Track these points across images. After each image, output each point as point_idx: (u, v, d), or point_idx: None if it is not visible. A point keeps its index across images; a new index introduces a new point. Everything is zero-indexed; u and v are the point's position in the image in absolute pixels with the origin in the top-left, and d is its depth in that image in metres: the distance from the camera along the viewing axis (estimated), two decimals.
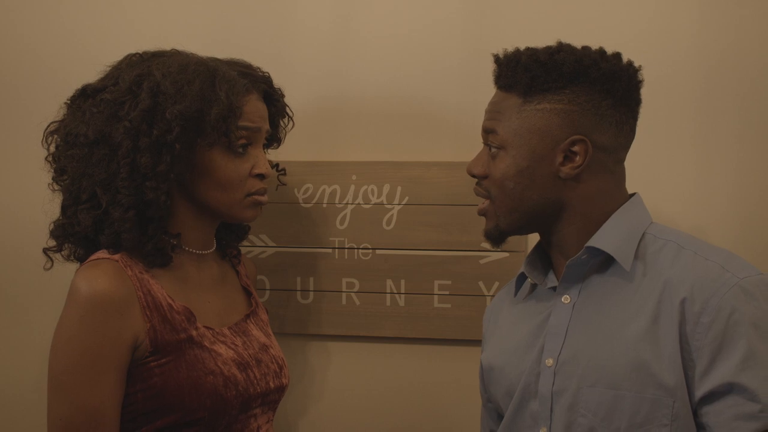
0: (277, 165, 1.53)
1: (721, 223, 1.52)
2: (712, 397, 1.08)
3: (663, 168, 1.52)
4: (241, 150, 1.28)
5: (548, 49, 1.19)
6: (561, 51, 1.18)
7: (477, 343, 1.59)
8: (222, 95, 1.24)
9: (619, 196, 1.21)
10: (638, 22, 1.54)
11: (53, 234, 1.29)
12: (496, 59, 1.24)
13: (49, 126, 1.31)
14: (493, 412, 1.36)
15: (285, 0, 1.68)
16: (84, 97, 1.29)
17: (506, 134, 1.19)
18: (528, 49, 1.21)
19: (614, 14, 1.55)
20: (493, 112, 1.22)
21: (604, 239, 1.17)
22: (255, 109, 1.31)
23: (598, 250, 1.17)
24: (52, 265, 1.31)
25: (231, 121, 1.25)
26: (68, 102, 1.31)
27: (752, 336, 1.06)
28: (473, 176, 1.25)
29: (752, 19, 1.51)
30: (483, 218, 1.27)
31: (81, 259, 1.30)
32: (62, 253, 1.30)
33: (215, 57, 1.34)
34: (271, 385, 1.32)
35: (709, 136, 1.53)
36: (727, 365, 1.06)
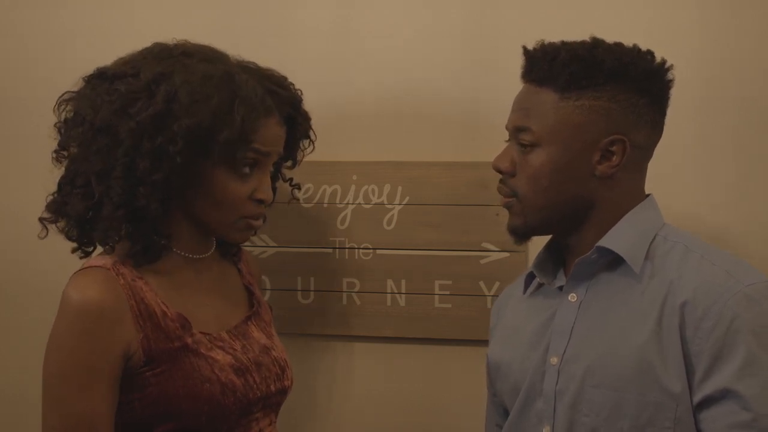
0: (291, 179, 1.48)
1: (722, 223, 1.53)
2: (708, 402, 1.08)
3: (662, 169, 1.51)
4: (246, 170, 1.24)
5: (585, 45, 1.17)
6: (598, 47, 1.16)
7: (478, 343, 1.59)
8: (237, 118, 1.19)
9: (639, 197, 1.21)
10: (638, 23, 1.54)
11: (48, 208, 1.25)
12: (528, 52, 1.20)
13: (64, 94, 1.26)
14: (500, 406, 1.36)
15: (285, 0, 1.68)
16: (101, 78, 1.24)
17: (541, 130, 1.16)
18: (564, 43, 1.18)
19: (614, 17, 1.55)
20: (525, 108, 1.19)
21: (615, 240, 1.17)
22: (271, 133, 1.26)
23: (608, 250, 1.17)
24: (47, 233, 1.27)
25: (240, 146, 1.21)
26: (86, 79, 1.26)
27: (752, 344, 1.05)
28: (499, 172, 1.21)
29: (752, 19, 1.51)
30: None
31: (74, 240, 1.26)
32: (57, 224, 1.26)
33: (252, 62, 1.30)
34: (272, 388, 1.29)
35: (708, 138, 1.53)
36: (725, 372, 1.06)
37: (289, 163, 1.43)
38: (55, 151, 1.26)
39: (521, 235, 1.22)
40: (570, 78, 1.15)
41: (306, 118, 1.37)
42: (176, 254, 1.28)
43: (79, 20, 1.75)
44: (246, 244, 1.57)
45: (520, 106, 1.20)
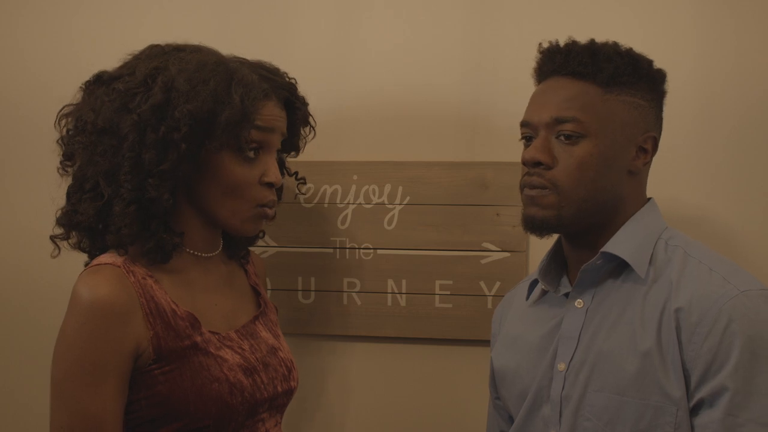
0: (296, 173, 1.49)
1: (721, 224, 1.53)
2: (701, 406, 1.09)
3: (662, 170, 1.52)
4: (252, 154, 1.24)
5: (615, 44, 1.20)
6: (623, 47, 1.20)
7: (478, 343, 1.59)
8: (236, 98, 1.20)
9: (643, 200, 1.23)
10: (638, 26, 1.54)
11: (59, 221, 1.25)
12: (560, 47, 1.21)
13: (63, 108, 1.27)
14: (502, 410, 1.36)
15: (288, 1, 1.68)
16: (99, 83, 1.25)
17: (590, 121, 1.16)
18: (593, 41, 1.21)
19: (614, 20, 1.55)
20: (567, 99, 1.17)
21: (620, 245, 1.17)
22: (271, 112, 1.26)
23: (613, 255, 1.17)
24: (59, 252, 1.27)
25: (243, 126, 1.21)
26: (83, 86, 1.27)
27: (746, 350, 1.06)
28: (536, 165, 1.18)
29: (752, 21, 1.51)
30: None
31: (87, 251, 1.27)
32: (69, 241, 1.26)
33: (242, 57, 1.31)
34: (279, 389, 1.30)
35: (708, 140, 1.53)
36: (718, 377, 1.07)
37: (293, 154, 1.44)
38: (60, 162, 1.27)
39: (545, 228, 1.19)
40: (614, 72, 1.17)
41: (303, 102, 1.37)
42: (186, 253, 1.28)
43: (80, 21, 1.75)
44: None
45: (559, 97, 1.18)
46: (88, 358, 1.14)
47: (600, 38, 1.22)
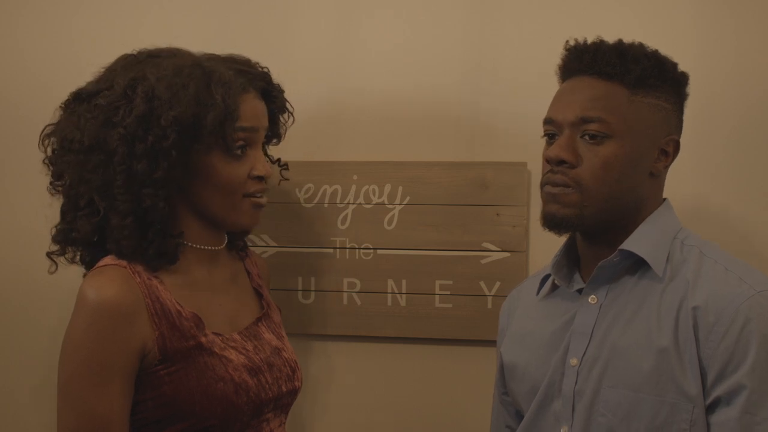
0: (278, 160, 1.50)
1: (723, 223, 1.53)
2: (718, 404, 1.09)
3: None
4: (239, 152, 1.25)
5: (642, 45, 1.20)
6: (649, 49, 1.21)
7: (478, 343, 1.59)
8: (218, 99, 1.21)
9: (660, 200, 1.24)
10: (639, 27, 1.53)
11: (55, 239, 1.27)
12: (588, 46, 1.21)
13: (45, 129, 1.29)
14: (510, 406, 1.36)
15: (288, 1, 1.68)
16: (78, 101, 1.26)
17: (617, 122, 1.16)
18: (622, 42, 1.20)
19: (612, 26, 1.54)
20: (593, 99, 1.17)
21: (638, 243, 1.17)
22: (252, 108, 1.28)
23: (631, 253, 1.17)
24: (57, 268, 1.30)
25: (228, 125, 1.22)
26: (62, 106, 1.28)
27: (762, 349, 1.07)
28: (560, 163, 1.17)
29: (752, 21, 1.51)
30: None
31: (86, 263, 1.28)
32: (66, 256, 1.28)
33: (213, 53, 1.32)
34: (284, 389, 1.30)
35: (709, 140, 1.53)
36: (735, 376, 1.07)
37: (274, 141, 1.44)
38: (51, 183, 1.28)
39: (566, 226, 1.19)
40: (641, 74, 1.17)
41: (279, 90, 1.38)
42: (191, 250, 1.28)
43: (77, 20, 1.75)
44: (248, 243, 1.58)
45: (585, 97, 1.18)
46: (96, 358, 1.15)
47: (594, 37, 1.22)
